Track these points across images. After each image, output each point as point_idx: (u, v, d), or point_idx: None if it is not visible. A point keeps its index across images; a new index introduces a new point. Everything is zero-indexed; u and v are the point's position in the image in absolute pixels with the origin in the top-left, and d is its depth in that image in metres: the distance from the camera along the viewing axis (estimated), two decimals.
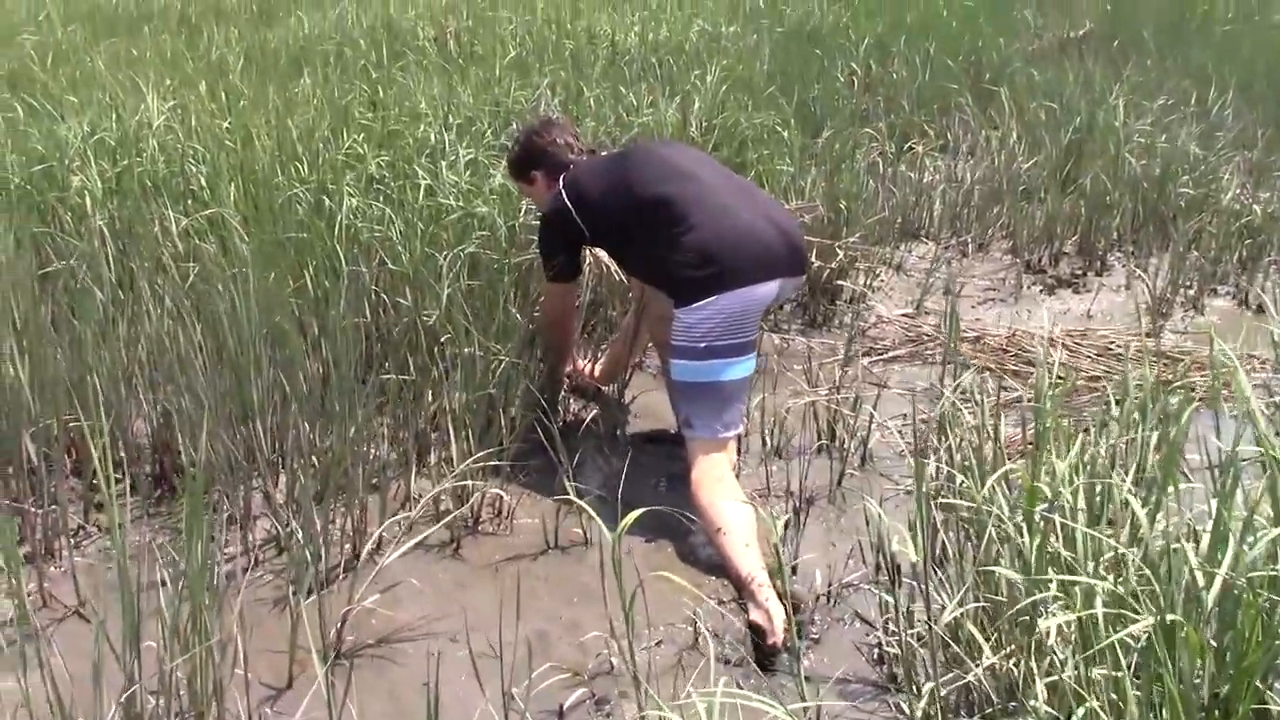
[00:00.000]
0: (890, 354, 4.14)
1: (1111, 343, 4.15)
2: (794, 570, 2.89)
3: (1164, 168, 5.13)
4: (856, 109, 6.24)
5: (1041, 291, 4.74)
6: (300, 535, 2.71)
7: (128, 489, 3.08)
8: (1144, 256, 4.95)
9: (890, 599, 2.55)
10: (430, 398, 3.40)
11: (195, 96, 5.34)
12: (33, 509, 2.91)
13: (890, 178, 5.37)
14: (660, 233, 3.10)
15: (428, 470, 3.29)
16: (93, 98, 5.48)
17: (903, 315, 4.46)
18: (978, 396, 3.01)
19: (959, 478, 2.60)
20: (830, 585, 2.81)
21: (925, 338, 4.25)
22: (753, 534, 2.83)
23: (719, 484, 2.97)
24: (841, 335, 4.31)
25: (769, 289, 3.07)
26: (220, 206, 4.04)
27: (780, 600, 2.66)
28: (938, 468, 2.83)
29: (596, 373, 3.80)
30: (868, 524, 2.93)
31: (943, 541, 2.64)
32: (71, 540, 2.92)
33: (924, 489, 2.30)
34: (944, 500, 2.70)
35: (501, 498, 3.12)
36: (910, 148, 5.78)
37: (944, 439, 3.34)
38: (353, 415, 3.07)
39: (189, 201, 4.29)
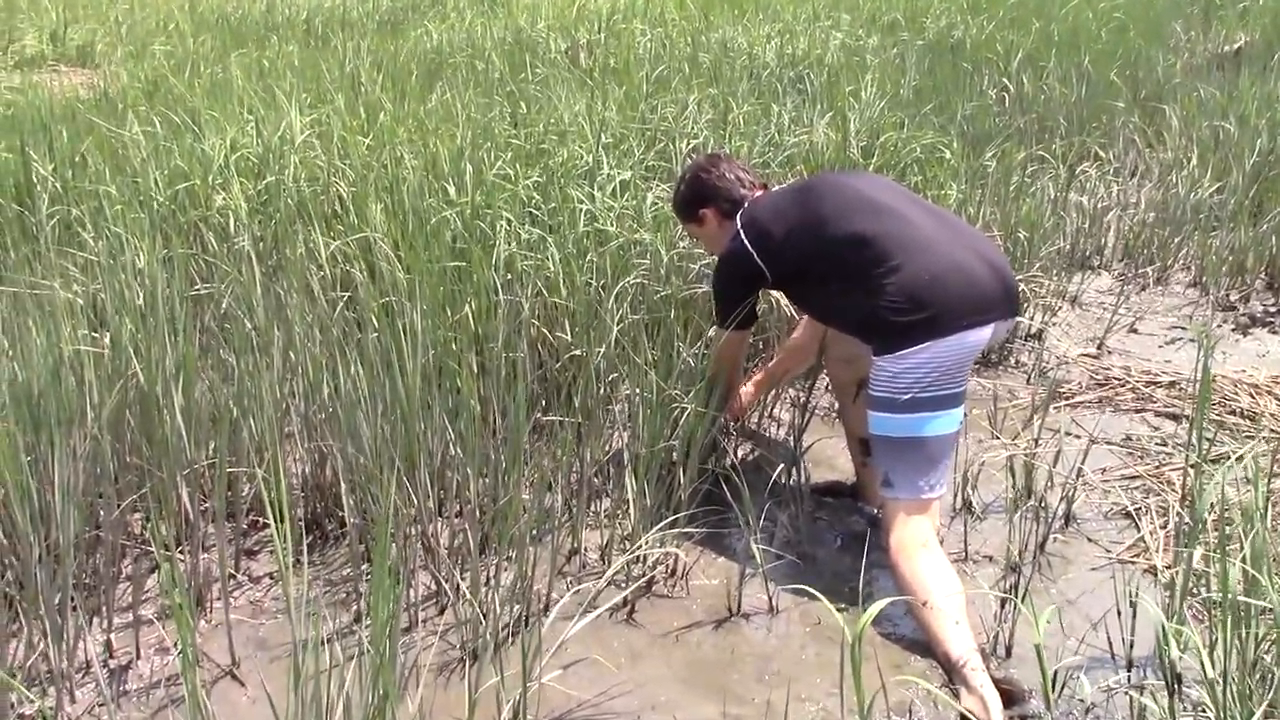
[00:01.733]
0: (1077, 399, 3.82)
1: None
2: (1008, 652, 2.60)
3: None
4: (1011, 127, 5.90)
5: (1234, 330, 4.37)
6: (467, 592, 2.50)
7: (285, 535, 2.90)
8: None
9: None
10: (600, 442, 3.17)
11: (334, 111, 5.19)
12: (183, 556, 2.75)
13: (1061, 203, 5.03)
14: (858, 275, 2.79)
15: (594, 520, 3.07)
16: (230, 111, 5.37)
17: (1084, 355, 4.13)
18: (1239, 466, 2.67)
19: (1236, 568, 2.25)
20: (1055, 673, 2.51)
21: (1115, 381, 3.92)
22: (963, 608, 2.55)
23: (923, 550, 2.66)
24: (1019, 376, 4.01)
25: (984, 334, 2.76)
26: (367, 229, 3.86)
27: (996, 686, 2.39)
28: (1190, 546, 2.50)
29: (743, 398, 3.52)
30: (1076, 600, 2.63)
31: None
32: (225, 590, 2.74)
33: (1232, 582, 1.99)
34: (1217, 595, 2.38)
35: (677, 556, 2.88)
36: (1083, 170, 5.42)
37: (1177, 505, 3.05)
38: (518, 463, 2.86)
39: (333, 223, 4.13)
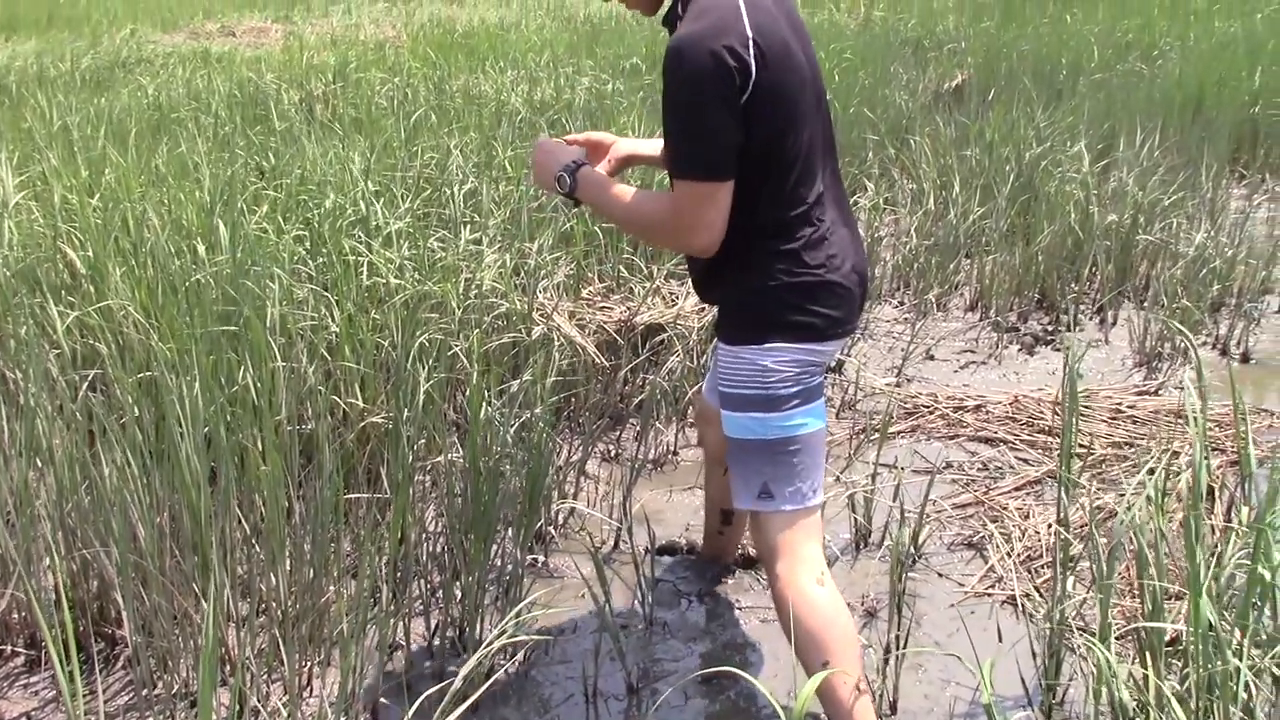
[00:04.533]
0: (891, 430, 3.73)
1: (1119, 403, 3.84)
2: (894, 708, 2.42)
3: (1133, 216, 4.90)
4: None
5: (1020, 351, 4.42)
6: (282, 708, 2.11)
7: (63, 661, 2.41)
8: (1114, 308, 4.69)
9: None
10: (414, 517, 2.81)
11: (49, 170, 4.60)
12: None
13: None
14: (775, 210, 2.14)
15: (408, 607, 2.70)
16: None
17: (888, 385, 4.07)
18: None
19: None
20: None
21: (923, 409, 3.86)
22: (857, 651, 2.18)
23: (818, 590, 2.15)
24: (828, 410, 3.89)
25: (844, 341, 2.49)
26: (111, 297, 3.36)
27: None
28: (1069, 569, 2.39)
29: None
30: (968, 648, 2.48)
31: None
32: None
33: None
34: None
35: (518, 639, 2.56)
36: (854, 202, 5.43)
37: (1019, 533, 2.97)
38: (322, 549, 2.48)
39: (64, 294, 3.59)
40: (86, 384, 3.03)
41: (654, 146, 2.54)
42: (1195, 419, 2.24)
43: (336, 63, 8.34)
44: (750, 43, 2.02)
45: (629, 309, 3.90)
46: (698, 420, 2.90)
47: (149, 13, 14.61)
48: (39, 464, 2.66)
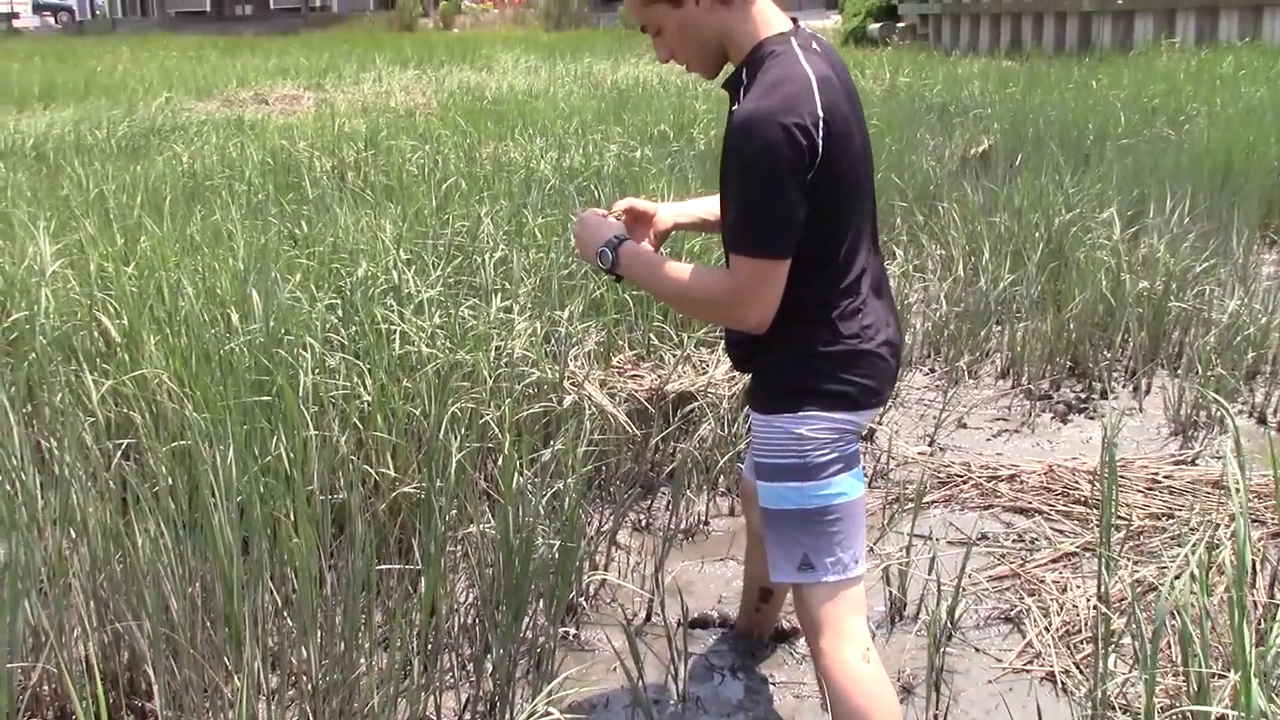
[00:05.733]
0: (925, 499, 3.69)
1: (1155, 473, 3.79)
2: None
3: (1165, 282, 4.87)
4: None
5: (1053, 419, 4.38)
6: None
7: None
8: (1148, 376, 4.65)
9: None
10: (445, 589, 2.80)
11: (86, 238, 4.66)
12: None
13: None
14: (820, 277, 2.13)
15: (439, 681, 2.67)
16: None
17: (921, 454, 4.04)
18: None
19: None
20: None
21: (957, 478, 3.82)
22: None
23: (864, 667, 2.12)
24: None
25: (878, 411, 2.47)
26: (145, 365, 3.39)
27: None
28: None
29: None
30: None
31: None
32: None
33: None
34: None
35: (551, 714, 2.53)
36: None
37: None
38: (354, 622, 2.46)
39: (99, 361, 3.62)
40: (120, 453, 3.04)
41: (700, 209, 2.53)
42: (1237, 491, 2.21)
43: (368, 130, 8.46)
44: (821, 122, 2.00)
45: (660, 377, 3.89)
46: (743, 501, 2.86)
47: (184, 81, 14.90)
48: (73, 534, 2.66)
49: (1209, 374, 4.33)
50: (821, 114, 2.00)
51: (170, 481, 2.79)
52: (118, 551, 2.56)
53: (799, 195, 2.01)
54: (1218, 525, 3.31)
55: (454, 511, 2.97)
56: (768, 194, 2.01)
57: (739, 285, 2.08)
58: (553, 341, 3.94)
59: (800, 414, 2.14)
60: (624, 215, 2.46)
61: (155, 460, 2.89)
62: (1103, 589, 2.50)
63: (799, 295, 2.09)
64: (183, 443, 2.97)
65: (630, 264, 2.25)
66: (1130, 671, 2.59)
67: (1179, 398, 4.25)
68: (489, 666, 2.59)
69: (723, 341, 3.12)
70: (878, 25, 19.49)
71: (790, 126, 1.97)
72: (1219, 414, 4.17)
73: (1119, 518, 3.48)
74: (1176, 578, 2.24)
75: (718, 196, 2.31)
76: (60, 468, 2.77)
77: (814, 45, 2.15)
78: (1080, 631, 2.91)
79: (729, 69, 2.22)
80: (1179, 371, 4.65)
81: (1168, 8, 14.96)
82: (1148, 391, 4.60)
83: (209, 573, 2.48)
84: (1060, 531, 3.49)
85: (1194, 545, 2.28)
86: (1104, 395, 4.56)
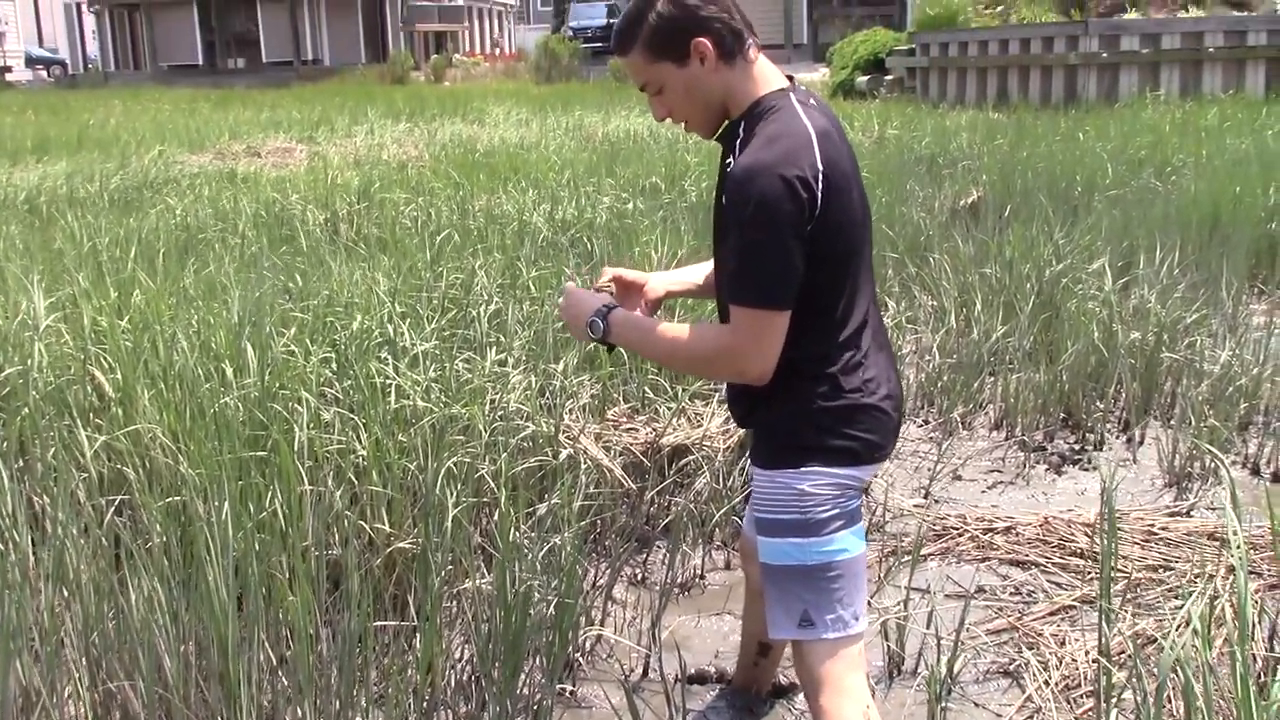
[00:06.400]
0: (922, 552, 3.68)
1: (1151, 525, 3.79)
2: None
3: (1156, 333, 4.89)
4: None
5: (1048, 470, 4.38)
6: None
7: None
8: (1141, 427, 4.66)
9: None
10: (441, 647, 2.77)
11: (79, 292, 4.65)
12: None
13: None
14: (818, 332, 2.14)
15: None
16: None
17: (916, 506, 4.03)
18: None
19: None
20: None
21: (953, 531, 3.82)
22: None
23: (862, 702, 2.13)
24: None
25: (881, 465, 2.45)
26: (140, 420, 3.37)
27: None
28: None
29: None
30: None
31: None
32: None
33: None
34: None
35: None
36: None
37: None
38: (349, 680, 2.43)
39: (92, 416, 3.61)
40: (113, 509, 3.02)
41: (692, 275, 2.54)
42: (1236, 546, 2.21)
43: (360, 183, 8.50)
44: (820, 175, 2.02)
45: (655, 430, 3.89)
46: (742, 556, 2.83)
47: (176, 133, 14.97)
48: (65, 592, 2.63)
49: (1202, 425, 4.34)
50: (821, 167, 2.02)
51: (164, 538, 2.76)
52: (110, 609, 2.53)
53: (799, 246, 2.02)
54: (1212, 577, 3.30)
55: (450, 567, 2.95)
56: (768, 245, 2.02)
57: (740, 337, 2.08)
58: (548, 395, 3.94)
59: (802, 469, 2.14)
60: (611, 285, 2.46)
61: (149, 516, 2.88)
62: (1104, 642, 2.49)
63: (799, 348, 2.10)
64: (177, 498, 2.96)
65: (622, 330, 2.24)
66: None
67: (1173, 449, 4.25)
68: None
69: (719, 395, 3.12)
70: (865, 78, 19.73)
71: (791, 179, 1.99)
72: (1213, 465, 4.17)
73: (1116, 570, 3.47)
74: (1179, 631, 2.22)
75: (710, 261, 2.33)
76: (53, 524, 2.75)
77: (811, 101, 2.18)
78: (1080, 685, 2.90)
79: None
80: (1172, 422, 4.66)
81: (1152, 61, 15.16)
82: (1141, 442, 4.61)
83: (203, 630, 2.46)
84: (1057, 584, 3.48)
85: (1195, 598, 2.28)
86: (1098, 446, 4.56)
